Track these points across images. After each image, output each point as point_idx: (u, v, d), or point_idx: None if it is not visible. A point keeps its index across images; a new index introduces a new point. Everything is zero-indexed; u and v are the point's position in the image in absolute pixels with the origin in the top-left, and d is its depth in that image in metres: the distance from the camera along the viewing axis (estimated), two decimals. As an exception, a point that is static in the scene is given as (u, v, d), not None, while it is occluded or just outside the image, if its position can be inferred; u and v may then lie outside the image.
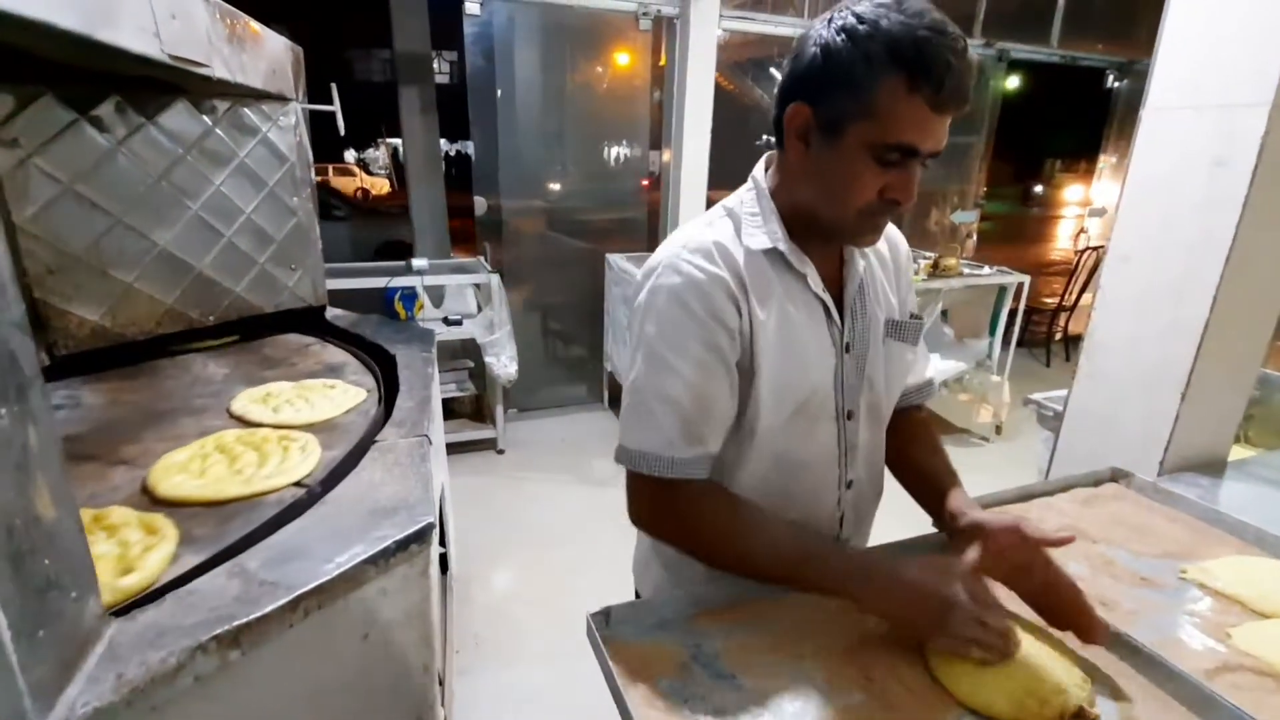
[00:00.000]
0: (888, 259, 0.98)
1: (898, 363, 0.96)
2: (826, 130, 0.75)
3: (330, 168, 18.22)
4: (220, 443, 1.20)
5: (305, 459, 1.16)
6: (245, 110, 1.75)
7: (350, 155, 20.16)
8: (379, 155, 19.90)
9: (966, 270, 3.81)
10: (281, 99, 1.80)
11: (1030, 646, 0.74)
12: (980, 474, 3.50)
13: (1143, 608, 0.87)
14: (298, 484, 1.10)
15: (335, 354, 1.79)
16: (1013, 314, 3.87)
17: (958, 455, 3.65)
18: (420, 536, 0.99)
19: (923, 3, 0.70)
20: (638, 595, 1.13)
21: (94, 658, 0.69)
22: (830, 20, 0.73)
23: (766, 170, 0.89)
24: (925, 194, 5.24)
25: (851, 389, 0.91)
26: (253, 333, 1.88)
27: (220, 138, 1.70)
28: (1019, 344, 4.03)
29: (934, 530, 0.97)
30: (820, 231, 0.84)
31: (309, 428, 1.30)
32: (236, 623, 0.77)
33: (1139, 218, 1.32)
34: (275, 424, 1.30)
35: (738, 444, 0.88)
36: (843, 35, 0.71)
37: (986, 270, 3.85)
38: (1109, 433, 1.39)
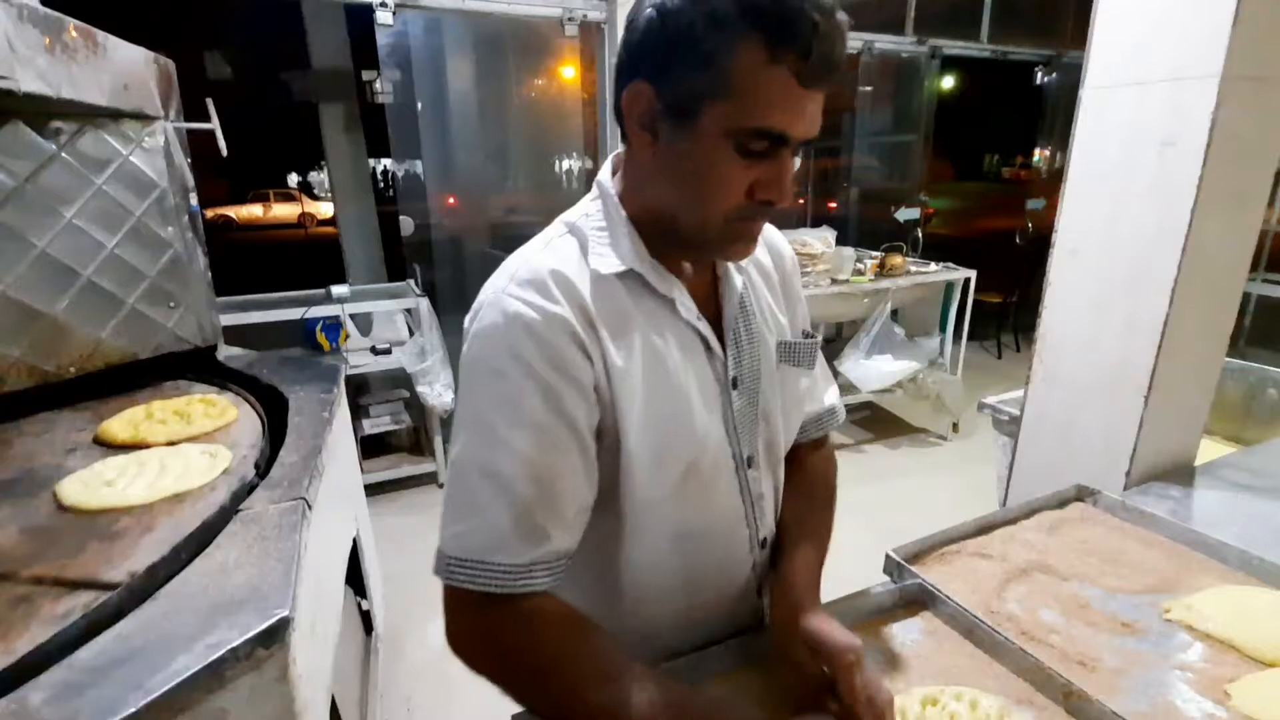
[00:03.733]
0: (770, 269, 0.81)
1: (793, 390, 0.79)
2: (675, 115, 0.58)
3: (271, 193, 17.66)
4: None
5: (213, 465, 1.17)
6: (100, 132, 1.54)
7: (293, 179, 19.61)
8: (323, 178, 19.37)
9: (914, 268, 3.75)
10: (143, 117, 1.60)
11: None
12: (938, 474, 3.43)
13: (1128, 664, 0.74)
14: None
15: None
16: (962, 308, 3.83)
17: (915, 455, 3.63)
18: (270, 636, 0.81)
19: None
20: None
21: None
22: None
23: (615, 173, 0.71)
24: (871, 192, 5.22)
25: (746, 431, 0.73)
26: (129, 382, 1.66)
27: (68, 164, 1.49)
28: (969, 338, 3.99)
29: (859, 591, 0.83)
30: (682, 243, 0.67)
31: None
32: (-18, 795, 0.59)
33: (1085, 207, 1.21)
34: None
35: (617, 525, 0.69)
36: None
37: (933, 267, 3.79)
38: (1070, 441, 1.28)
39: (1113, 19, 1.12)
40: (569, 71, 3.81)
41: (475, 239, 3.94)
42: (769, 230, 0.82)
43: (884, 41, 4.48)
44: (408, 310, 3.24)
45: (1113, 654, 0.75)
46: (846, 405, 4.34)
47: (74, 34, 1.25)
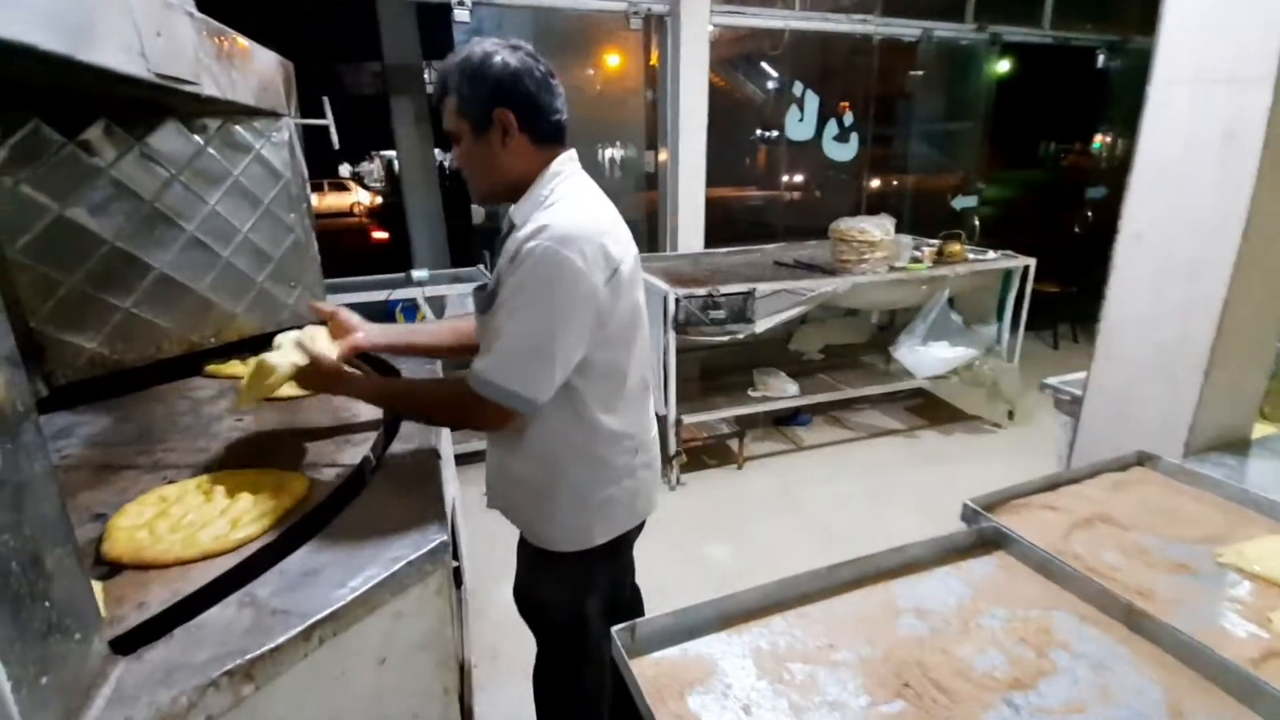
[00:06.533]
0: (509, 248, 1.08)
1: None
2: None
3: (325, 183, 18.25)
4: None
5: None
6: (237, 128, 1.73)
7: (345, 169, 20.19)
8: (374, 168, 19.90)
9: (971, 255, 3.77)
10: (273, 115, 1.78)
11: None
12: (992, 460, 3.47)
13: (1182, 595, 0.84)
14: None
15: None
16: (1020, 297, 3.83)
17: (969, 442, 3.67)
18: (433, 556, 0.97)
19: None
20: None
21: (100, 701, 0.66)
22: None
23: None
24: (927, 180, 5.20)
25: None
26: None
27: (213, 157, 1.68)
28: (1026, 328, 3.99)
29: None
30: None
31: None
32: (249, 656, 0.75)
33: (1150, 195, 1.29)
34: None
35: None
36: None
37: (992, 255, 3.81)
38: (1130, 415, 1.36)
39: (1177, 20, 1.19)
40: (632, 65, 3.93)
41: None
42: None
43: (944, 29, 4.47)
44: (478, 294, 3.42)
45: (1169, 588, 0.86)
46: (898, 392, 4.30)
47: (233, 42, 1.43)
